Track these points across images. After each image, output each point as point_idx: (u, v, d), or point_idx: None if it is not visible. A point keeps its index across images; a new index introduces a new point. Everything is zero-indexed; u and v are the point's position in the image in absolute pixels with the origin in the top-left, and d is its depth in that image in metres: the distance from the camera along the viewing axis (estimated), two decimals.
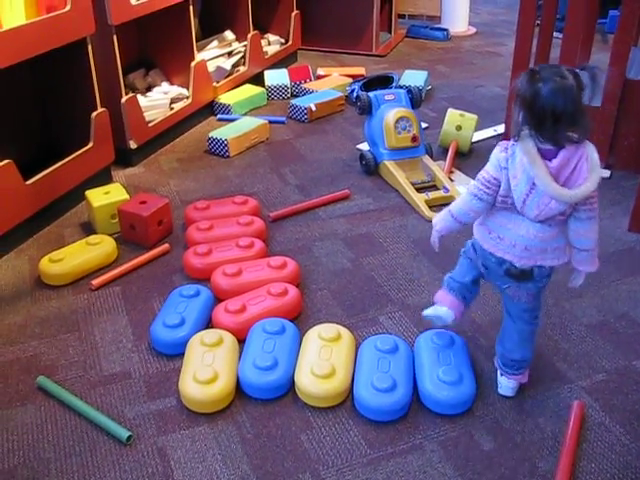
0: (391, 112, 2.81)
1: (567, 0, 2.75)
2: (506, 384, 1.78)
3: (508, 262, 1.59)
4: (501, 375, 1.79)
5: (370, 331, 2.00)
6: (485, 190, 1.56)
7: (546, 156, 1.47)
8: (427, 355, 1.81)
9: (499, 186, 1.54)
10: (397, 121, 2.79)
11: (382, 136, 2.83)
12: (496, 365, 1.81)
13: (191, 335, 1.91)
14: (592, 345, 1.94)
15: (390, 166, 2.80)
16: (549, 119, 1.44)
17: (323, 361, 1.77)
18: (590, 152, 1.48)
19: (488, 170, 1.56)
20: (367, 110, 2.90)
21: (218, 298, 2.10)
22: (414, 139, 2.80)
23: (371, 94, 2.90)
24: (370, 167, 2.90)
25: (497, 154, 1.55)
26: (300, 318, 2.05)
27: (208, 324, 2.01)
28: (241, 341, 1.91)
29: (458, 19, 5.37)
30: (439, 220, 1.70)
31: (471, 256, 1.72)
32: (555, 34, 3.29)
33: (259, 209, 2.59)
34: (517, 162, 1.50)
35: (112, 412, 1.73)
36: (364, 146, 3.14)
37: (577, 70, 1.47)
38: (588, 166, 1.47)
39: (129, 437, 1.64)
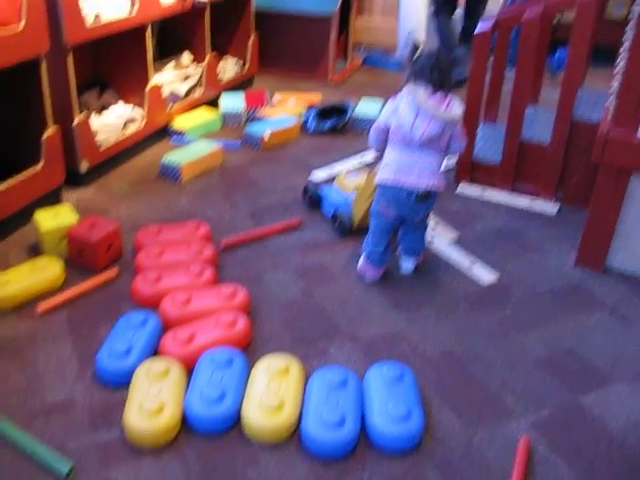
0: (338, 178, 2.84)
1: (518, 44, 2.82)
2: (407, 265, 2.42)
3: (414, 191, 2.17)
4: (404, 259, 2.42)
5: (320, 362, 1.99)
6: (379, 135, 2.25)
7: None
8: (376, 389, 1.80)
9: (387, 130, 2.21)
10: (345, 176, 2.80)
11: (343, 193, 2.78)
12: (399, 254, 2.44)
13: (138, 364, 1.87)
14: (539, 380, 1.96)
15: None
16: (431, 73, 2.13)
17: (272, 394, 1.75)
18: (455, 98, 2.16)
19: (380, 120, 2.24)
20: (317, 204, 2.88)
21: (167, 326, 2.07)
22: None
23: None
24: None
25: (388, 104, 2.23)
26: (250, 348, 2.03)
27: (156, 353, 1.98)
28: (189, 370, 1.88)
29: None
30: None
31: (382, 208, 2.27)
32: (507, 69, 3.36)
33: (211, 235, 2.56)
34: (404, 101, 2.16)
35: (53, 443, 1.67)
36: (317, 174, 3.15)
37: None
38: (455, 105, 2.14)
39: (70, 470, 1.59)
